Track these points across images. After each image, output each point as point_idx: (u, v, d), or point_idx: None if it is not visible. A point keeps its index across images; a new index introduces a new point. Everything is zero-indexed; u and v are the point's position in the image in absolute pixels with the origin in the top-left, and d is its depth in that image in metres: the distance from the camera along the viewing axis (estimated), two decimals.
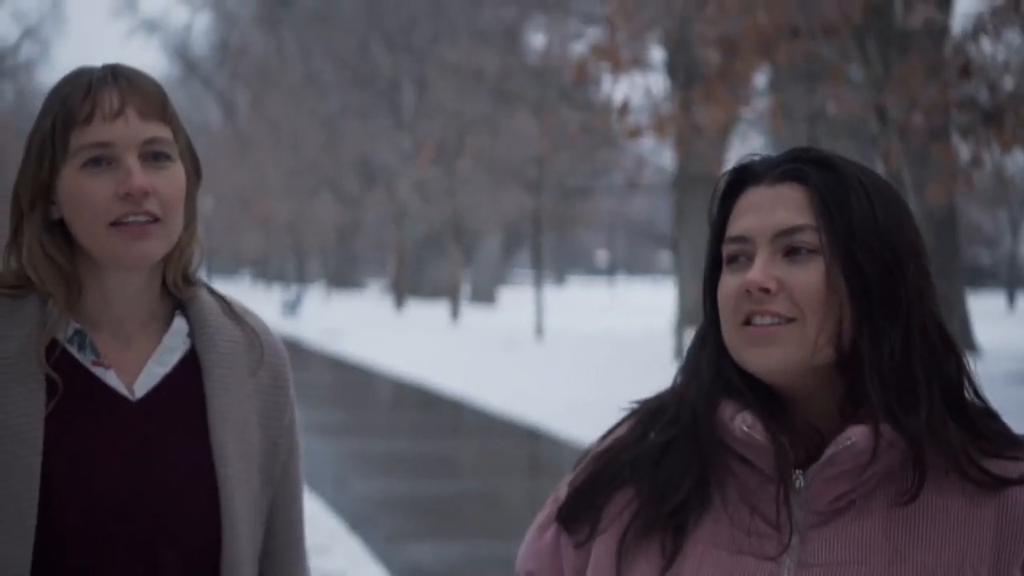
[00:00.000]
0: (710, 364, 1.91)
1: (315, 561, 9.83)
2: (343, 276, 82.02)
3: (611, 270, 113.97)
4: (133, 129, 2.23)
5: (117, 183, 2.21)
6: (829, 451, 1.82)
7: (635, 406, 2.04)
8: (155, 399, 2.31)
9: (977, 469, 1.82)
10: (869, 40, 16.09)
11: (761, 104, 21.14)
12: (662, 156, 31.96)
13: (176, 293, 2.37)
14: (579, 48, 33.24)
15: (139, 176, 2.21)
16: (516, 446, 17.19)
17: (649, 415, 1.99)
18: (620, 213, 48.07)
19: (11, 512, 2.18)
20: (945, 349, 1.85)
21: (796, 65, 15.67)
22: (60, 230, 2.29)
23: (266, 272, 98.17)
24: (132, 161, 2.22)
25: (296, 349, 35.24)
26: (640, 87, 23.10)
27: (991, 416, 1.89)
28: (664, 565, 1.89)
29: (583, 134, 30.22)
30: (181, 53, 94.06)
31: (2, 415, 2.20)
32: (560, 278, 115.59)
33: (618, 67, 17.92)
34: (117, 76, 2.28)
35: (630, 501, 1.94)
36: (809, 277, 1.83)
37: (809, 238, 1.84)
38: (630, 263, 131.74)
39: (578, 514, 1.97)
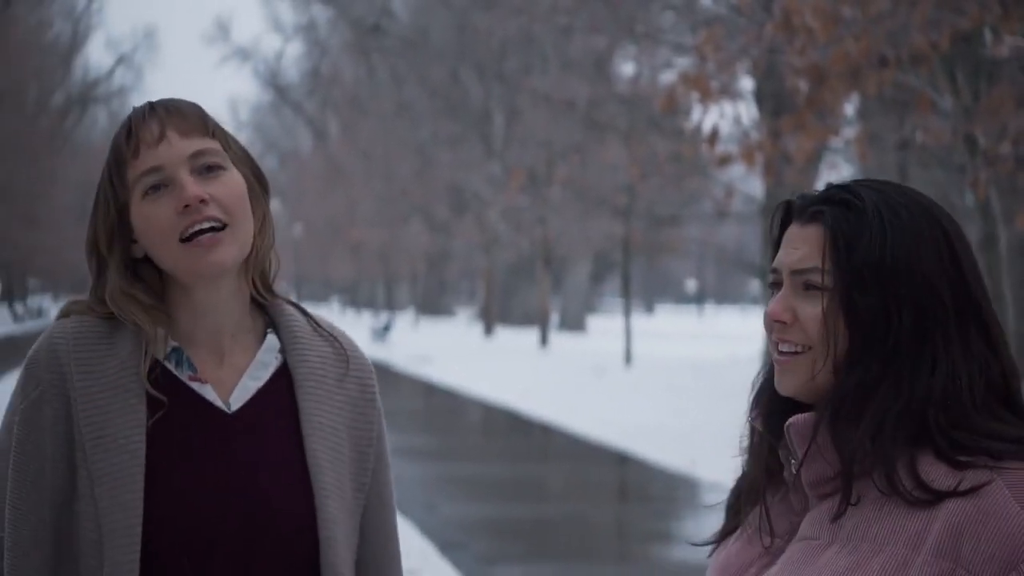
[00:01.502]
0: (762, 386, 2.19)
1: None
2: (432, 303, 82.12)
3: (700, 298, 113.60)
4: (177, 148, 2.35)
5: (175, 200, 2.33)
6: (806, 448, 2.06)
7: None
8: (250, 412, 2.42)
9: (911, 482, 1.98)
10: (958, 69, 16.10)
11: (849, 133, 21.11)
12: (751, 184, 31.95)
13: (262, 302, 2.49)
14: (668, 77, 33.32)
15: (191, 186, 2.32)
16: (604, 471, 17.28)
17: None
18: (709, 241, 47.98)
19: (120, 521, 2.29)
20: (928, 374, 2.01)
21: (884, 94, 15.66)
22: (149, 265, 2.41)
23: (356, 299, 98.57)
24: (184, 176, 2.33)
25: (386, 374, 35.45)
26: (729, 116, 23.17)
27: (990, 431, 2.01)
28: (722, 538, 2.23)
29: (672, 162, 30.25)
30: (273, 80, 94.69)
31: (108, 429, 2.31)
32: (649, 306, 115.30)
33: (707, 96, 17.97)
34: (155, 107, 2.40)
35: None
36: (814, 313, 2.04)
37: (817, 278, 2.05)
38: (719, 291, 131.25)
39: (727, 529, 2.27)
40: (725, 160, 19.19)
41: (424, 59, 54.98)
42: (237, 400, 2.42)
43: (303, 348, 2.48)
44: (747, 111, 27.59)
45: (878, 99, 16.91)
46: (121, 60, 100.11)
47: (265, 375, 2.45)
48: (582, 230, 44.22)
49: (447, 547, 11.50)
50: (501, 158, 49.14)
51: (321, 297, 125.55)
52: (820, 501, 2.05)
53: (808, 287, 2.06)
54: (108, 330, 2.38)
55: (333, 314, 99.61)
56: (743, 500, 2.19)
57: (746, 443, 2.21)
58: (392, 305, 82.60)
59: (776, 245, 2.15)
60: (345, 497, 2.44)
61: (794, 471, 2.08)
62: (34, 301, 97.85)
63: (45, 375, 2.34)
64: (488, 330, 54.98)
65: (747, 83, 27.06)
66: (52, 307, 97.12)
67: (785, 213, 2.16)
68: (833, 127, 17.98)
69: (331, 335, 2.53)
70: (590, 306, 79.11)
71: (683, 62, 27.03)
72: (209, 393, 2.41)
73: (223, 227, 2.34)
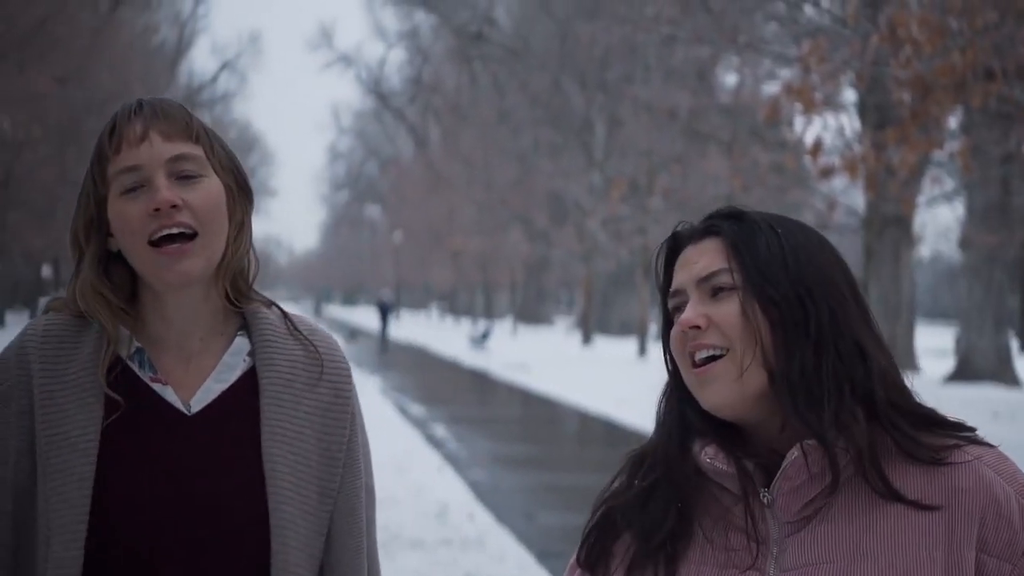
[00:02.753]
0: (673, 411, 2.18)
1: None
2: (531, 311, 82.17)
3: None
4: (158, 150, 2.36)
5: (148, 201, 2.34)
6: (783, 467, 2.06)
7: (626, 458, 2.30)
8: (211, 414, 2.42)
9: (877, 472, 2.05)
10: None
11: (953, 146, 20.95)
12: (853, 197, 31.76)
13: (236, 305, 2.49)
14: (771, 88, 33.20)
15: (165, 190, 2.33)
16: None
17: (633, 465, 2.25)
18: None
19: (66, 517, 2.30)
20: (860, 359, 2.08)
21: (989, 107, 15.55)
22: (123, 264, 2.43)
23: (455, 306, 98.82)
24: (160, 179, 2.34)
25: (483, 381, 35.54)
26: (832, 127, 23.05)
27: (923, 417, 2.10)
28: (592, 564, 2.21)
29: (774, 173, 30.13)
30: (375, 87, 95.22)
31: (62, 428, 2.33)
32: None
33: (810, 107, 17.91)
34: (141, 106, 2.42)
35: (628, 545, 2.20)
36: (729, 310, 2.08)
37: (725, 279, 2.10)
38: None
39: (593, 561, 2.25)
40: (827, 172, 19.10)
41: (526, 67, 55.13)
42: (199, 402, 2.42)
43: (272, 352, 2.48)
44: (850, 123, 27.44)
45: (983, 112, 16.77)
46: (225, 65, 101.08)
47: (231, 377, 2.46)
48: None
49: (544, 556, 11.51)
50: (602, 167, 49.14)
51: (421, 304, 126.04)
52: (799, 527, 2.07)
53: (716, 291, 2.11)
54: (77, 329, 2.41)
55: (432, 321, 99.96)
56: (675, 536, 2.14)
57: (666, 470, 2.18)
58: (491, 313, 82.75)
59: (668, 279, 2.20)
60: (307, 503, 2.43)
61: (766, 502, 2.08)
62: None
63: (14, 371, 2.38)
64: (586, 339, 54.95)
65: (850, 95, 26.92)
66: None
67: (670, 250, 2.21)
68: (937, 140, 17.85)
69: (307, 338, 2.52)
70: None
71: (785, 73, 26.93)
72: (169, 395, 2.41)
73: (193, 235, 2.35)
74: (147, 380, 2.41)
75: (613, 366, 40.91)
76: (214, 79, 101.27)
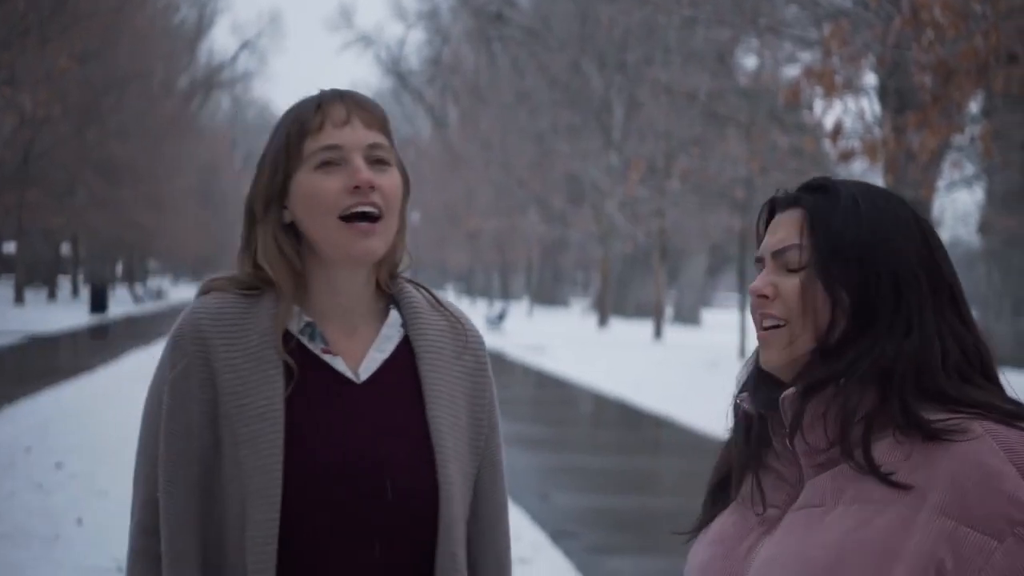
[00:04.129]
0: (750, 372, 2.32)
1: (518, 571, 10.02)
2: (547, 293, 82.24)
3: None
4: (359, 134, 2.57)
5: (347, 178, 2.53)
6: (779, 405, 2.16)
7: None
8: (377, 381, 2.62)
9: (852, 441, 2.08)
10: None
11: (974, 130, 20.86)
12: (873, 180, 31.66)
13: (385, 288, 2.69)
14: (791, 71, 33.11)
15: (366, 171, 2.54)
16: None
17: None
18: None
19: (261, 482, 2.48)
20: (902, 337, 2.10)
21: (1012, 91, 15.47)
22: (292, 232, 2.61)
23: (471, 287, 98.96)
24: (359, 160, 2.55)
25: (500, 362, 35.54)
26: (852, 111, 22.98)
27: (945, 397, 2.09)
28: (702, 526, 2.35)
29: (793, 156, 30.05)
30: (394, 67, 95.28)
31: (248, 398, 2.52)
32: None
33: (831, 91, 17.83)
34: (343, 95, 2.62)
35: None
36: (793, 286, 2.16)
37: (794, 257, 2.18)
38: None
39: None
40: (847, 156, 19.05)
41: (545, 48, 55.03)
42: (365, 371, 2.62)
43: (423, 323, 2.68)
44: (870, 107, 27.36)
45: (1005, 96, 16.70)
46: (245, 45, 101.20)
47: (390, 347, 2.65)
48: (699, 223, 44.13)
49: (559, 536, 11.53)
50: (620, 149, 49.07)
51: (437, 284, 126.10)
52: (817, 472, 2.12)
53: (789, 267, 2.19)
54: (247, 306, 2.59)
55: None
56: (733, 480, 2.28)
57: (732, 425, 2.33)
58: (507, 294, 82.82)
59: (761, 240, 2.28)
60: (462, 460, 2.64)
61: (787, 444, 2.15)
62: (153, 283, 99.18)
63: (191, 347, 2.56)
64: (602, 321, 54.96)
65: (871, 78, 26.83)
66: (171, 289, 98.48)
67: (769, 210, 2.30)
68: (958, 124, 17.77)
69: (448, 311, 2.73)
70: (705, 300, 78.84)
71: (806, 56, 26.86)
72: (340, 364, 2.60)
73: (379, 217, 2.55)
74: (318, 352, 2.60)
75: (629, 348, 40.93)
76: (234, 59, 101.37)
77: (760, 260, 2.24)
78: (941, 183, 28.20)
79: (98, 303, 56.04)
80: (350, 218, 2.52)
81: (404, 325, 2.67)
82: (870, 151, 17.86)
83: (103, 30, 43.23)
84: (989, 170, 29.80)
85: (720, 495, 2.33)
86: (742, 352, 36.84)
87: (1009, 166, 27.87)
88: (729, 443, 2.33)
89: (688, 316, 64.00)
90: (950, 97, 15.27)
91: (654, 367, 33.38)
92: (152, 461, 2.57)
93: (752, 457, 2.24)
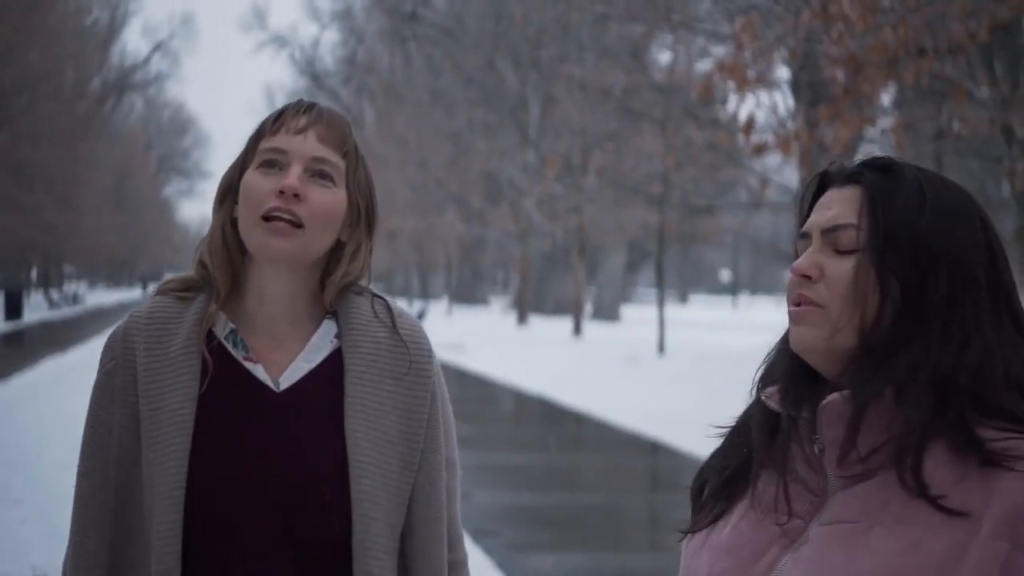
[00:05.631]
0: (775, 361, 2.16)
1: None
2: (466, 292, 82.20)
3: (734, 288, 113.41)
4: (308, 145, 2.58)
5: (278, 182, 2.54)
6: (819, 409, 1.99)
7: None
8: (298, 391, 2.59)
9: (905, 458, 1.92)
10: (996, 59, 16.04)
11: (886, 123, 21.04)
12: (786, 174, 31.87)
13: (328, 307, 2.66)
14: (705, 66, 33.28)
15: (295, 179, 2.53)
16: (637, 460, 17.29)
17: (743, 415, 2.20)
18: (744, 231, 47.84)
19: (166, 485, 2.49)
20: (961, 345, 1.95)
21: (922, 84, 15.61)
22: (238, 240, 2.62)
23: (390, 287, 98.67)
24: (296, 168, 2.55)
25: None
26: (765, 105, 23.14)
27: (1010, 416, 1.94)
28: (710, 526, 2.12)
29: (707, 151, 30.22)
30: (309, 68, 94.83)
31: (162, 402, 2.53)
32: (683, 295, 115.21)
33: (744, 85, 17.94)
34: (312, 108, 2.64)
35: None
36: (844, 269, 1.99)
37: (850, 238, 2.01)
38: (753, 281, 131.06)
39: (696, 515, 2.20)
40: (761, 149, 19.16)
41: (460, 47, 55.04)
42: (287, 380, 2.60)
43: (358, 335, 2.64)
44: (783, 100, 27.55)
45: (915, 89, 16.85)
46: (158, 47, 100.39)
47: (318, 358, 2.62)
48: (617, 219, 44.22)
49: (479, 534, 11.51)
50: (536, 146, 49.13)
51: None
52: (846, 483, 1.97)
53: (839, 248, 2.02)
54: (180, 308, 2.62)
55: None
56: (751, 478, 2.10)
57: (742, 420, 2.17)
58: (426, 293, 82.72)
59: (806, 214, 2.11)
60: (388, 476, 2.57)
61: (816, 450, 2.00)
62: (69, 288, 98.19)
63: (119, 350, 2.60)
64: (522, 319, 55.01)
65: (783, 72, 27.01)
66: (88, 294, 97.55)
67: (820, 184, 2.13)
68: (870, 117, 17.93)
69: (399, 325, 2.68)
70: (624, 295, 79.09)
71: (719, 51, 27.00)
72: (260, 372, 2.59)
73: (299, 226, 2.53)
74: (240, 359, 2.60)
75: (549, 345, 40.99)
76: (147, 60, 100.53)
77: (806, 236, 2.07)
78: None
79: (13, 309, 55.45)
80: (270, 219, 2.53)
81: (339, 335, 2.65)
82: (783, 145, 17.99)
83: (13, 31, 42.78)
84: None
85: (725, 494, 2.14)
86: (661, 347, 36.98)
87: (921, 158, 28.10)
88: (741, 438, 2.15)
89: (607, 312, 64.15)
90: (861, 90, 15.40)
91: (574, 364, 33.45)
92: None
93: (778, 460, 2.05)
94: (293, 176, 2.53)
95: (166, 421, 2.52)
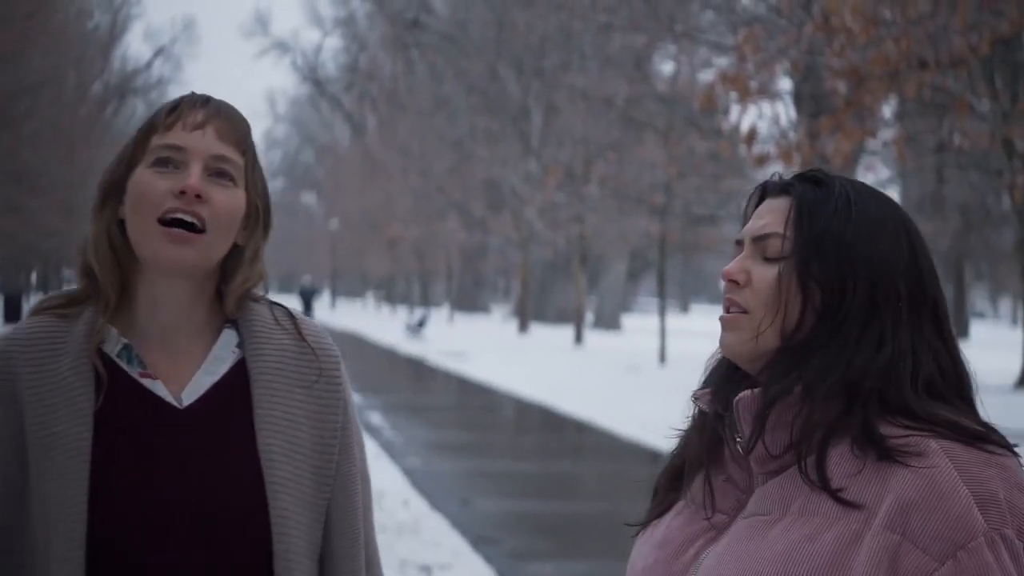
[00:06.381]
0: (715, 366, 2.24)
1: None
2: (467, 299, 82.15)
3: None
4: (207, 143, 2.38)
5: (177, 182, 2.34)
6: (733, 405, 2.10)
7: None
8: (203, 406, 2.41)
9: (806, 453, 2.01)
10: (997, 72, 16.08)
11: (887, 135, 21.09)
12: None
13: (229, 316, 2.48)
14: (707, 76, 33.32)
15: (197, 179, 2.35)
16: (638, 468, 17.29)
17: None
18: None
19: (64, 519, 2.29)
20: (875, 349, 2.04)
21: (923, 96, 15.66)
22: (126, 246, 2.42)
23: (391, 294, 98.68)
24: (196, 167, 2.36)
25: (420, 369, 35.49)
26: (767, 116, 23.20)
27: (911, 414, 2.02)
28: (654, 521, 2.26)
29: (710, 161, 30.28)
30: (311, 74, 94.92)
31: (55, 427, 2.32)
32: (684, 305, 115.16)
33: (746, 96, 17.99)
34: (208, 101, 2.45)
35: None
36: (768, 275, 2.08)
37: (775, 247, 2.10)
38: None
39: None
40: (762, 160, 19.21)
41: (462, 55, 55.05)
42: (190, 395, 2.42)
43: (261, 342, 2.47)
44: (785, 112, 27.59)
45: (917, 101, 16.89)
46: (160, 52, 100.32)
47: (221, 370, 2.45)
48: (618, 228, 44.22)
49: (480, 542, 11.52)
50: (538, 155, 49.13)
51: (357, 292, 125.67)
52: (767, 478, 2.07)
53: (767, 255, 2.10)
54: (65, 327, 2.41)
55: (368, 309, 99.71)
56: (685, 477, 2.22)
57: (688, 421, 2.26)
58: (427, 301, 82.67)
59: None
60: (304, 491, 2.43)
61: (739, 448, 2.10)
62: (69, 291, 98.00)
63: None
64: (523, 327, 54.99)
65: (785, 83, 27.06)
66: None
67: (760, 196, 2.21)
68: (871, 129, 17.96)
69: (302, 332, 2.52)
70: (625, 304, 79.07)
71: (722, 62, 27.03)
72: (160, 389, 2.40)
73: (201, 231, 2.36)
74: (136, 376, 2.40)
75: (549, 353, 40.97)
76: (148, 65, 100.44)
77: (739, 243, 2.16)
78: None
79: (12, 313, 55.47)
80: (168, 223, 2.34)
81: (241, 345, 2.47)
82: (785, 155, 18.04)
83: (14, 35, 42.79)
84: (903, 174, 30.11)
85: (672, 489, 2.26)
86: (662, 357, 36.99)
87: (922, 170, 28.16)
88: (685, 437, 2.26)
89: (608, 321, 64.11)
90: (862, 102, 15.45)
91: (575, 372, 33.44)
92: None
93: (705, 457, 2.18)
94: (195, 176, 2.35)
95: (60, 449, 2.31)
